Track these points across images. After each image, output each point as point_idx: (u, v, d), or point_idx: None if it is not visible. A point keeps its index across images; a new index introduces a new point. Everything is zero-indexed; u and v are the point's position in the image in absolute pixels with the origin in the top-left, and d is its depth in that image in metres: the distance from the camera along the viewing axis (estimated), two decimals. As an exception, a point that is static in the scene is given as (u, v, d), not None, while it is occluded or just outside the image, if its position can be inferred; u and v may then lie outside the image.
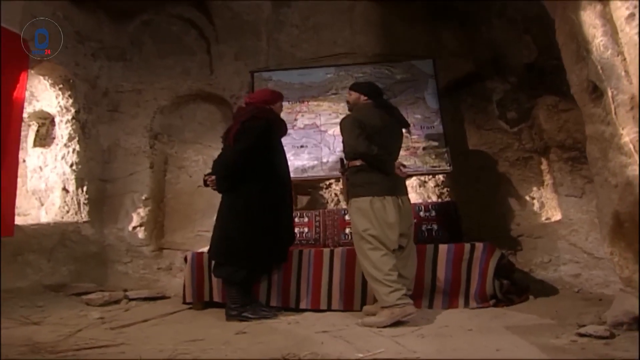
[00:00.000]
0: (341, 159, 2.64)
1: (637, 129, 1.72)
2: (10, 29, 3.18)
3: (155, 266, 3.62)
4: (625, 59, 1.80)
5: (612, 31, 1.85)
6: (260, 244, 2.57)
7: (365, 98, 2.60)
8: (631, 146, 1.73)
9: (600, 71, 1.87)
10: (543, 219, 3.36)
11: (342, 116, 2.74)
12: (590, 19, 1.92)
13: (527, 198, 3.44)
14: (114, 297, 3.06)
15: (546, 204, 3.37)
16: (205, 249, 3.05)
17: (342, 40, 3.86)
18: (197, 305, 2.82)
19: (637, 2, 1.76)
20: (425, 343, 1.91)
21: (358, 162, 2.46)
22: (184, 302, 2.87)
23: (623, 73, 1.80)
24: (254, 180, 2.61)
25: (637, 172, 1.72)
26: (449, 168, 3.35)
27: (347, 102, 2.74)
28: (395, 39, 3.76)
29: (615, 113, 1.81)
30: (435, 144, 3.41)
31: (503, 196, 3.48)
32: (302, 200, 3.69)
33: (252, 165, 2.60)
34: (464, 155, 3.56)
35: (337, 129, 2.84)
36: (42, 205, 4.05)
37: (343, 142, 2.55)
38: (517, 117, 3.55)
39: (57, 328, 2.36)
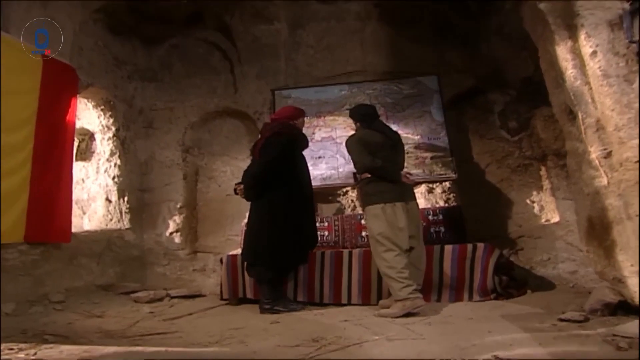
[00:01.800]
0: (354, 173, 3.07)
1: (602, 148, 2.12)
2: (62, 61, 3.71)
3: (190, 268, 4.12)
4: (591, 88, 2.20)
5: (581, 64, 2.25)
6: (284, 247, 2.99)
7: (359, 125, 3.05)
8: (597, 162, 2.13)
9: (573, 97, 2.28)
10: (542, 220, 3.74)
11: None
12: (563, 53, 2.33)
13: (528, 202, 3.82)
14: (158, 295, 3.55)
15: (545, 207, 3.75)
16: (236, 251, 3.53)
17: (353, 59, 4.31)
18: (233, 301, 3.29)
19: (598, 42, 2.16)
20: (431, 329, 2.33)
21: (368, 175, 2.89)
22: (221, 299, 3.35)
23: (590, 100, 2.20)
24: (278, 190, 3.02)
25: (604, 184, 2.12)
26: (454, 175, 3.76)
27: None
28: (402, 57, 4.18)
29: (584, 133, 2.21)
30: (442, 153, 3.83)
31: (505, 200, 3.87)
32: (331, 208, 4.11)
33: (276, 176, 3.01)
34: (468, 163, 3.96)
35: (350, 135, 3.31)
36: (85, 214, 4.59)
37: (352, 159, 2.99)
38: (517, 126, 3.94)
39: (118, 320, 2.85)
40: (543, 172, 3.79)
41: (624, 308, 2.15)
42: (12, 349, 2.13)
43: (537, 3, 2.48)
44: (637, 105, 2.04)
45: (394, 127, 3.58)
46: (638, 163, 1.97)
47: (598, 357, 1.57)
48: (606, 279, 2.21)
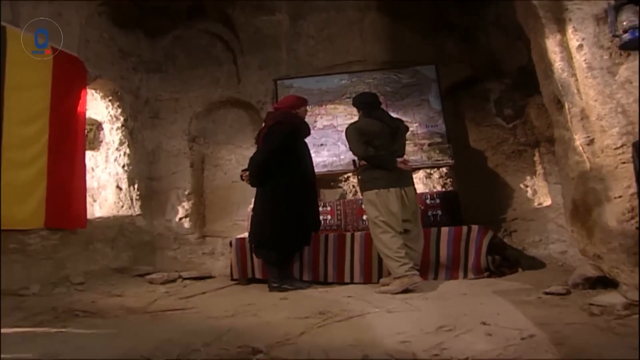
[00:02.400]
0: (353, 160, 3.25)
1: (585, 135, 2.31)
2: (71, 53, 3.87)
3: (199, 251, 4.35)
4: (577, 80, 2.38)
5: (568, 57, 2.42)
6: (286, 232, 3.18)
7: (361, 112, 3.22)
8: (581, 149, 2.33)
9: (560, 88, 2.46)
10: (535, 204, 3.96)
11: (355, 117, 3.36)
12: (552, 46, 2.50)
13: (522, 186, 4.03)
14: (171, 277, 3.78)
15: (538, 191, 3.97)
16: (243, 235, 3.75)
17: (353, 49, 4.46)
18: (242, 281, 3.53)
19: (585, 35, 2.33)
20: (428, 303, 2.55)
21: (364, 162, 3.09)
22: (231, 279, 3.58)
23: (576, 90, 2.38)
24: (280, 177, 3.19)
25: (587, 169, 2.32)
26: (451, 161, 3.96)
27: None
28: (401, 47, 4.33)
29: (570, 122, 2.40)
30: (439, 140, 4.02)
31: (500, 184, 4.08)
32: (333, 193, 4.32)
33: (279, 164, 3.19)
34: (465, 150, 4.16)
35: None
36: (95, 201, 4.79)
37: (349, 147, 3.17)
38: (513, 114, 4.12)
39: (137, 299, 3.08)
40: (536, 157, 3.99)
41: (603, 282, 2.37)
42: (49, 322, 2.36)
43: (529, -4, 2.65)
44: (618, 95, 2.23)
45: (394, 115, 3.76)
46: (617, 150, 2.17)
47: (572, 321, 1.80)
48: (587, 256, 2.44)
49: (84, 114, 4.01)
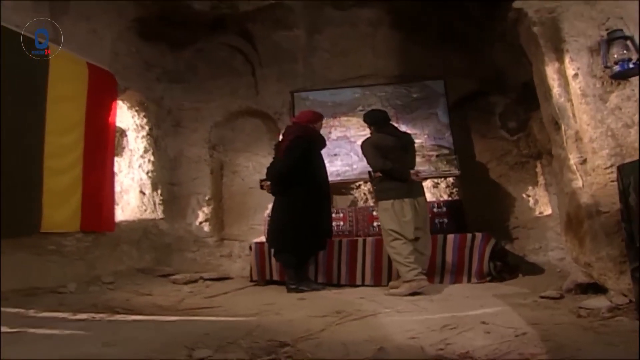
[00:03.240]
0: (369, 172, 3.54)
1: (579, 155, 2.59)
2: (103, 67, 4.20)
3: (218, 254, 4.66)
4: (573, 105, 2.66)
5: (565, 84, 2.70)
6: (303, 236, 3.50)
7: (372, 128, 3.52)
8: (575, 167, 2.60)
9: (557, 111, 2.74)
10: (536, 213, 4.23)
11: (368, 130, 3.64)
12: (550, 73, 2.78)
13: (524, 196, 4.30)
14: (193, 277, 4.09)
15: (539, 201, 4.24)
16: (260, 239, 4.06)
17: (366, 63, 4.75)
18: (261, 282, 3.83)
19: (579, 65, 2.61)
20: (433, 304, 2.84)
21: (380, 174, 3.38)
22: (251, 280, 3.89)
23: (571, 115, 2.66)
24: (298, 187, 3.51)
25: (579, 185, 2.59)
26: (457, 172, 4.25)
27: None
28: (411, 62, 4.62)
29: (566, 142, 2.68)
30: (446, 152, 4.30)
31: (503, 194, 4.36)
32: (345, 200, 4.63)
33: (297, 174, 3.51)
34: (470, 160, 4.44)
35: (364, 138, 3.79)
36: (117, 204, 5.12)
37: (366, 161, 3.46)
38: (516, 127, 4.39)
39: (165, 298, 3.39)
40: (538, 169, 4.26)
41: (594, 288, 2.64)
42: (94, 318, 2.67)
43: (531, 26, 2.93)
44: (608, 120, 2.51)
45: (404, 128, 4.06)
46: (607, 169, 2.45)
47: (560, 322, 2.08)
48: (579, 263, 2.71)
49: (114, 124, 4.34)
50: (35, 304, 2.96)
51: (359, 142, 4.47)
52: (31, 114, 3.44)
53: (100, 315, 2.73)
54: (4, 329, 2.33)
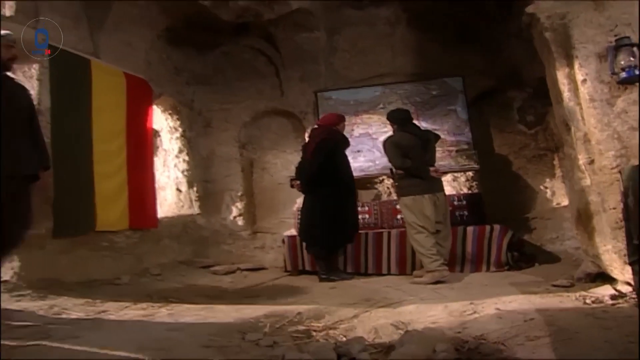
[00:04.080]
0: (390, 169, 3.84)
1: (587, 156, 2.84)
2: (139, 76, 4.59)
3: (251, 245, 5.08)
4: (582, 108, 2.89)
5: (574, 88, 2.93)
6: (332, 231, 3.86)
7: (395, 126, 3.81)
8: (583, 167, 2.86)
9: (568, 114, 2.98)
10: (554, 204, 4.47)
11: (389, 127, 3.96)
12: (561, 78, 3.00)
13: (541, 187, 4.55)
14: (231, 268, 4.53)
15: (556, 192, 4.47)
16: (290, 231, 4.45)
17: (385, 62, 5.00)
18: (294, 272, 4.24)
19: (588, 71, 2.83)
20: (454, 292, 3.17)
21: (401, 171, 3.69)
22: (285, 271, 4.30)
23: (580, 118, 2.89)
24: (326, 185, 3.88)
25: (588, 184, 2.86)
26: (476, 166, 4.52)
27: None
28: (429, 59, 4.84)
29: (575, 143, 2.93)
30: (466, 147, 4.57)
31: (522, 186, 4.61)
32: (369, 194, 4.98)
33: (325, 174, 3.86)
34: (489, 154, 4.69)
35: (386, 136, 4.14)
36: (156, 201, 5.59)
37: (387, 159, 3.75)
38: (534, 120, 4.60)
39: (211, 288, 3.83)
40: (555, 161, 4.48)
41: (603, 277, 2.92)
42: (153, 306, 3.11)
43: (543, 32, 3.15)
44: (615, 124, 2.74)
45: (424, 125, 4.34)
46: (612, 169, 2.70)
47: (565, 308, 2.39)
48: (588, 255, 3.00)
49: (152, 128, 4.76)
50: (98, 294, 3.41)
51: (381, 139, 4.84)
52: (79, 124, 3.82)
53: (157, 304, 3.18)
54: (81, 314, 2.79)
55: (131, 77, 4.46)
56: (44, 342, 2.05)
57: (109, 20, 4.25)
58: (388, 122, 4.00)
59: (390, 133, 3.93)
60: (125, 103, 4.37)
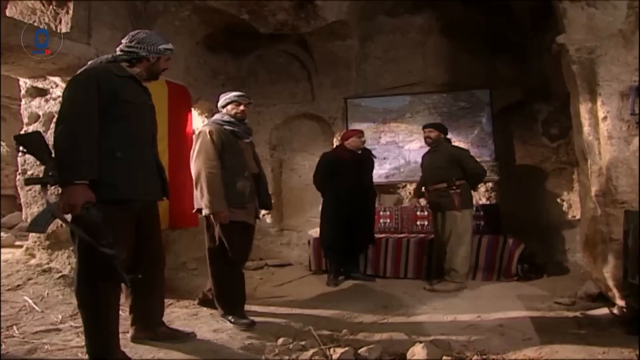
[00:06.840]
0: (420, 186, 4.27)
1: (599, 189, 3.09)
2: (178, 83, 4.99)
3: (279, 242, 5.54)
4: (600, 144, 3.12)
5: (595, 123, 3.13)
6: (339, 240, 4.19)
7: (444, 136, 4.11)
8: (595, 199, 3.12)
9: (586, 147, 3.21)
10: (569, 217, 4.71)
11: (416, 136, 4.44)
12: (583, 112, 3.20)
13: (559, 200, 4.78)
14: (260, 264, 5.01)
15: (572, 206, 4.71)
16: (315, 231, 4.88)
17: (416, 71, 5.22)
18: (318, 272, 4.68)
19: (609, 109, 3.04)
20: (465, 302, 3.52)
21: (463, 181, 3.93)
22: (309, 270, 4.74)
23: (597, 152, 3.12)
24: (327, 196, 4.37)
25: (597, 214, 3.12)
26: (497, 177, 4.78)
27: (429, 138, 4.13)
28: (459, 70, 5.04)
29: (590, 175, 3.18)
30: (488, 158, 4.81)
31: (540, 198, 4.85)
32: (392, 198, 5.35)
33: (324, 186, 4.37)
34: (510, 165, 4.93)
35: (412, 145, 4.76)
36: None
37: (470, 164, 3.96)
38: (558, 133, 4.79)
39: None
40: (575, 175, 4.68)
41: (603, 299, 3.23)
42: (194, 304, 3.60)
43: (570, 64, 3.32)
44: (629, 161, 2.95)
45: (449, 135, 4.60)
46: (622, 204, 2.96)
47: (560, 329, 2.73)
48: (591, 277, 3.30)
49: (191, 132, 5.18)
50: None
51: (407, 147, 5.16)
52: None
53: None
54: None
55: (172, 84, 4.83)
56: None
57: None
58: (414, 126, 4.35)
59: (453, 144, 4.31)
60: (167, 110, 4.78)
